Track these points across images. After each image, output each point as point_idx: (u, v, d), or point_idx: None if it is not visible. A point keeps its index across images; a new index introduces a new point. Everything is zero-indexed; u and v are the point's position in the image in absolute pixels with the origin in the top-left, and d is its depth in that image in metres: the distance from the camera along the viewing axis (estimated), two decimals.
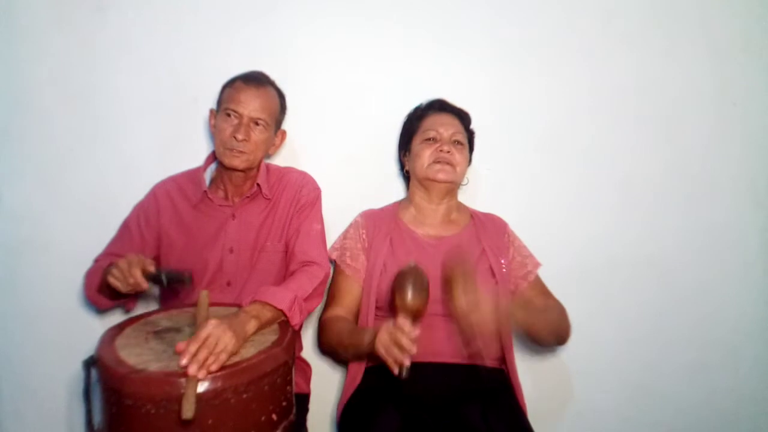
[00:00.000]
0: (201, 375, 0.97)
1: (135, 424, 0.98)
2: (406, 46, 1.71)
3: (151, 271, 1.23)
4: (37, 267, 1.61)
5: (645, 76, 1.76)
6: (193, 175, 1.52)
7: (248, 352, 1.07)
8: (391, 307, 1.26)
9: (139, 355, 1.05)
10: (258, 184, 1.47)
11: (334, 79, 1.70)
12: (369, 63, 1.71)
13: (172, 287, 1.31)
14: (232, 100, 1.41)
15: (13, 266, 1.62)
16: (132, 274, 1.21)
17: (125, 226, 1.51)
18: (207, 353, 0.99)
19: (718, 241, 1.79)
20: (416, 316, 1.20)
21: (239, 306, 1.21)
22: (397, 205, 1.61)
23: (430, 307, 1.31)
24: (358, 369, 1.43)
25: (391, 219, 1.55)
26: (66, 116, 1.62)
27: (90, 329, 1.52)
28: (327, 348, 1.48)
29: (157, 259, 1.46)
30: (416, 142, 1.56)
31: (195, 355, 0.98)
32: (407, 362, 1.14)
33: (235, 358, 1.04)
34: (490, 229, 1.56)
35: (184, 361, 0.97)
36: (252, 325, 1.14)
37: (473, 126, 1.63)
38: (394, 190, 1.72)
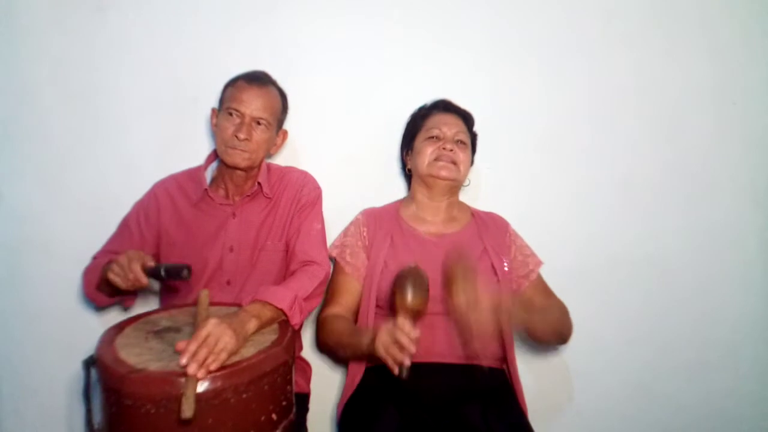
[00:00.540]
0: (201, 375, 0.96)
1: (135, 423, 0.98)
2: (406, 46, 1.71)
3: (150, 266, 1.23)
4: (37, 266, 1.61)
5: (645, 76, 1.76)
6: (194, 173, 1.52)
7: (248, 351, 1.07)
8: (391, 307, 1.26)
9: (138, 355, 1.05)
10: (259, 183, 1.48)
11: (334, 79, 1.70)
12: (369, 63, 1.71)
13: (171, 281, 1.31)
14: (234, 99, 1.41)
15: (13, 265, 1.62)
16: (132, 269, 1.21)
17: (125, 224, 1.51)
18: (207, 352, 0.99)
19: (718, 240, 1.79)
20: (416, 316, 1.20)
21: (239, 305, 1.21)
22: (399, 204, 1.61)
23: (430, 307, 1.31)
24: (358, 368, 1.43)
25: (393, 217, 1.55)
26: (66, 116, 1.62)
27: (90, 329, 1.52)
28: (325, 346, 1.48)
29: (156, 257, 1.46)
30: (419, 140, 1.56)
31: (195, 354, 0.98)
32: (407, 362, 1.14)
33: (235, 358, 1.04)
34: (491, 228, 1.56)
35: (183, 361, 0.97)
36: (252, 325, 1.14)
37: (475, 128, 1.63)
38: (395, 189, 1.72)
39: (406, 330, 1.15)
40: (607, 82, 1.75)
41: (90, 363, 1.08)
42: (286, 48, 1.68)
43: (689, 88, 1.78)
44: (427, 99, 1.64)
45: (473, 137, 1.62)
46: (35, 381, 1.61)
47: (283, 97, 1.52)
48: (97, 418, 1.08)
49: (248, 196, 1.48)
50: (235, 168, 1.43)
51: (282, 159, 1.67)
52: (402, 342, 1.14)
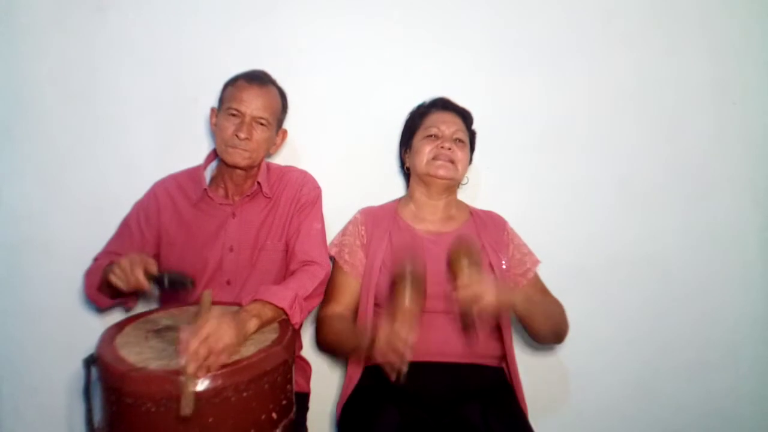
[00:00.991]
0: (201, 373, 0.96)
1: (135, 422, 0.98)
2: (406, 46, 1.71)
3: (153, 271, 1.23)
4: (37, 266, 1.61)
5: (645, 76, 1.76)
6: (194, 173, 1.52)
7: (248, 350, 1.07)
8: (388, 310, 1.26)
9: (139, 354, 1.05)
10: (258, 183, 1.47)
11: (334, 79, 1.70)
12: (369, 62, 1.71)
13: (174, 290, 1.31)
14: (234, 98, 1.41)
15: (13, 265, 1.62)
16: (134, 273, 1.20)
17: (125, 225, 1.50)
18: (207, 352, 0.99)
19: (718, 240, 1.79)
20: (414, 317, 1.20)
21: (239, 305, 1.21)
22: (397, 203, 1.61)
23: (430, 305, 1.31)
24: (358, 368, 1.43)
25: (391, 216, 1.55)
26: (66, 116, 1.63)
27: (90, 328, 1.52)
28: (324, 345, 1.47)
29: (157, 258, 1.46)
30: (418, 139, 1.56)
31: (195, 353, 0.98)
32: (404, 368, 1.14)
33: (236, 357, 1.04)
34: (489, 227, 1.56)
35: (183, 360, 0.97)
36: (252, 324, 1.14)
37: (474, 126, 1.63)
38: (395, 189, 1.72)
39: (403, 335, 1.15)
40: (606, 82, 1.75)
41: (90, 362, 1.08)
42: (285, 48, 1.68)
43: (689, 88, 1.78)
44: (427, 98, 1.64)
45: (472, 135, 1.62)
46: (35, 380, 1.61)
47: (282, 96, 1.52)
48: (98, 416, 1.08)
49: (248, 195, 1.48)
50: (235, 167, 1.43)
51: (281, 158, 1.67)
52: (399, 348, 1.14)
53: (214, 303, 1.13)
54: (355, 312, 1.48)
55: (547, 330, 1.45)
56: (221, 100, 1.47)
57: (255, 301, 1.20)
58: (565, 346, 1.60)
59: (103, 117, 1.64)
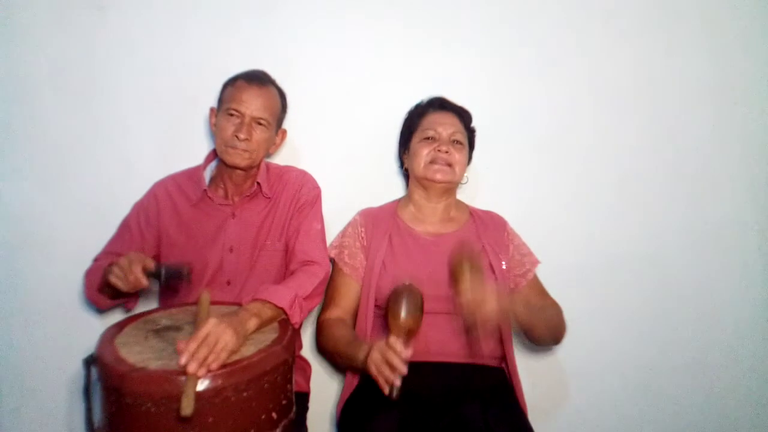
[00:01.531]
0: (201, 373, 0.96)
1: (135, 422, 0.98)
2: (406, 46, 1.71)
3: (151, 268, 1.23)
4: (37, 266, 1.61)
5: (645, 75, 1.76)
6: (193, 173, 1.52)
7: (248, 350, 1.07)
8: (384, 325, 1.26)
9: (139, 354, 1.05)
10: (258, 183, 1.47)
11: (334, 79, 1.70)
12: (369, 62, 1.71)
13: (171, 282, 1.31)
14: (234, 99, 1.41)
15: (13, 265, 1.61)
16: (133, 272, 1.21)
17: (125, 225, 1.50)
18: (207, 351, 0.99)
19: (718, 240, 1.79)
20: (409, 335, 1.20)
21: (239, 305, 1.21)
22: (396, 204, 1.61)
23: (431, 306, 1.31)
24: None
25: (390, 217, 1.55)
26: (66, 116, 1.62)
27: (90, 327, 1.52)
28: (323, 350, 1.47)
29: (157, 258, 1.46)
30: (415, 141, 1.56)
31: (195, 353, 0.98)
32: (398, 382, 1.14)
33: (236, 357, 1.04)
34: (489, 227, 1.56)
35: (183, 360, 0.97)
36: (252, 324, 1.14)
37: (474, 124, 1.63)
38: (394, 189, 1.73)
39: (397, 350, 1.15)
40: (607, 82, 1.75)
41: (90, 362, 1.08)
42: (285, 48, 1.68)
43: (689, 88, 1.78)
44: (425, 98, 1.63)
45: (471, 134, 1.62)
46: (35, 380, 1.61)
47: (282, 96, 1.52)
48: (98, 416, 1.08)
49: (247, 196, 1.48)
50: (235, 168, 1.43)
51: (281, 158, 1.67)
52: (393, 362, 1.14)
53: (214, 303, 1.14)
54: (355, 314, 1.48)
55: (546, 335, 1.45)
56: (221, 101, 1.47)
57: (255, 300, 1.20)
58: (565, 346, 1.60)
59: (103, 117, 1.64)
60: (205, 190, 1.46)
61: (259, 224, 1.47)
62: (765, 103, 1.79)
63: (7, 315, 1.61)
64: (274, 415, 1.07)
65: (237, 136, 1.39)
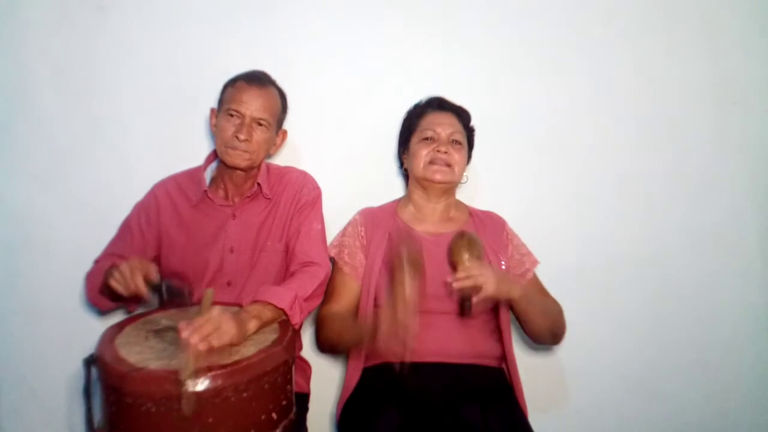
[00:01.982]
0: (201, 374, 0.96)
1: (135, 422, 0.98)
2: (406, 46, 1.71)
3: (153, 279, 1.23)
4: (37, 266, 1.61)
5: (645, 75, 1.76)
6: (194, 174, 1.52)
7: (249, 350, 1.07)
8: (388, 299, 1.27)
9: (139, 354, 1.05)
10: (258, 184, 1.47)
11: (334, 79, 1.70)
12: (369, 62, 1.71)
13: (171, 300, 1.31)
14: (234, 100, 1.41)
15: (13, 265, 1.62)
16: (134, 280, 1.21)
17: (126, 226, 1.50)
18: (211, 329, 1.01)
19: (718, 240, 1.79)
20: (414, 306, 1.21)
21: (240, 305, 1.21)
22: (396, 203, 1.61)
23: (431, 305, 1.31)
24: (357, 368, 1.43)
25: (390, 217, 1.55)
26: (66, 116, 1.63)
27: (90, 327, 1.52)
28: (326, 343, 1.46)
29: (157, 259, 1.46)
30: (414, 141, 1.56)
31: (199, 328, 1.00)
32: (408, 357, 1.14)
33: (236, 357, 1.04)
34: (489, 227, 1.56)
35: (185, 333, 0.99)
36: (253, 324, 1.14)
37: (473, 123, 1.63)
38: (394, 189, 1.73)
39: (404, 323, 1.15)
40: (607, 82, 1.75)
41: (90, 362, 1.08)
42: (285, 48, 1.68)
43: (689, 88, 1.78)
44: (424, 98, 1.63)
45: (470, 133, 1.62)
46: (35, 380, 1.61)
47: (282, 97, 1.51)
48: (98, 416, 1.08)
49: (248, 196, 1.47)
50: (235, 168, 1.43)
51: (281, 159, 1.67)
52: (401, 336, 1.14)
53: (215, 304, 1.13)
54: (355, 313, 1.48)
55: (544, 328, 1.44)
56: (221, 101, 1.46)
57: (255, 301, 1.20)
58: (565, 346, 1.60)
59: (103, 117, 1.64)
60: (205, 190, 1.46)
61: (259, 225, 1.47)
62: (765, 103, 1.79)
63: (7, 315, 1.61)
64: (274, 415, 1.07)
65: (237, 137, 1.39)
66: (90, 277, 1.46)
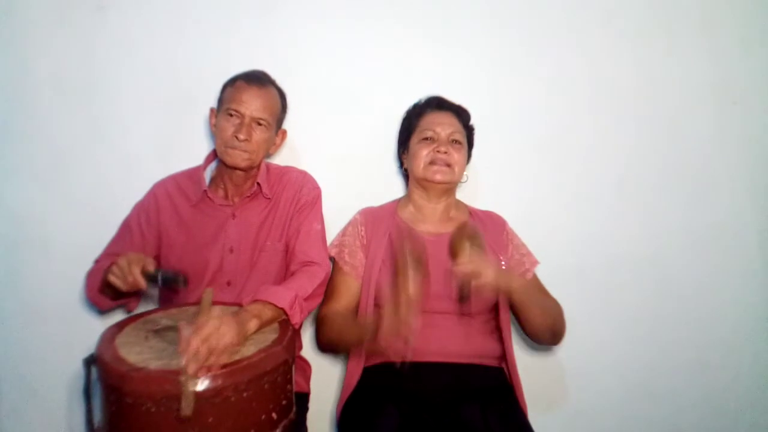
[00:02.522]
0: (201, 374, 0.96)
1: (135, 422, 0.98)
2: (406, 46, 1.71)
3: (150, 270, 1.24)
4: (37, 266, 1.61)
5: (645, 75, 1.76)
6: (193, 174, 1.52)
7: (249, 350, 1.07)
8: (390, 297, 1.27)
9: (139, 354, 1.05)
10: (258, 184, 1.47)
11: (334, 79, 1.70)
12: (369, 62, 1.71)
13: (168, 287, 1.32)
14: (233, 99, 1.41)
15: (13, 265, 1.62)
16: (131, 272, 1.21)
17: (126, 226, 1.50)
18: (207, 352, 0.99)
19: (718, 240, 1.79)
20: (416, 303, 1.20)
21: (240, 305, 1.21)
22: (396, 203, 1.61)
23: (431, 305, 1.31)
24: (358, 368, 1.44)
25: (390, 217, 1.55)
26: (66, 115, 1.63)
27: (90, 327, 1.52)
28: (326, 342, 1.46)
29: (157, 259, 1.46)
30: (414, 142, 1.56)
31: (195, 353, 0.98)
32: (409, 354, 1.14)
33: (236, 357, 1.04)
34: (489, 227, 1.56)
35: (184, 360, 0.97)
36: (253, 325, 1.14)
37: (472, 122, 1.63)
38: (394, 189, 1.73)
39: (408, 322, 1.15)
40: (607, 82, 1.75)
41: (90, 361, 1.08)
42: (285, 48, 1.68)
43: (689, 88, 1.78)
44: (423, 98, 1.63)
45: (469, 132, 1.62)
46: (35, 380, 1.61)
47: (282, 96, 1.52)
48: (98, 416, 1.08)
49: (248, 196, 1.47)
50: (235, 168, 1.43)
51: (281, 159, 1.67)
52: (403, 332, 1.15)
53: (214, 303, 1.13)
54: (355, 313, 1.48)
55: (544, 327, 1.44)
56: (220, 101, 1.46)
57: (255, 301, 1.20)
58: (565, 346, 1.60)
59: (103, 117, 1.64)
60: (205, 190, 1.46)
61: (259, 225, 1.47)
62: (765, 103, 1.79)
63: (7, 315, 1.61)
64: (274, 415, 1.07)
65: (237, 137, 1.39)
66: (90, 276, 1.46)
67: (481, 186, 1.73)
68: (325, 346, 1.50)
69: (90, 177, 1.63)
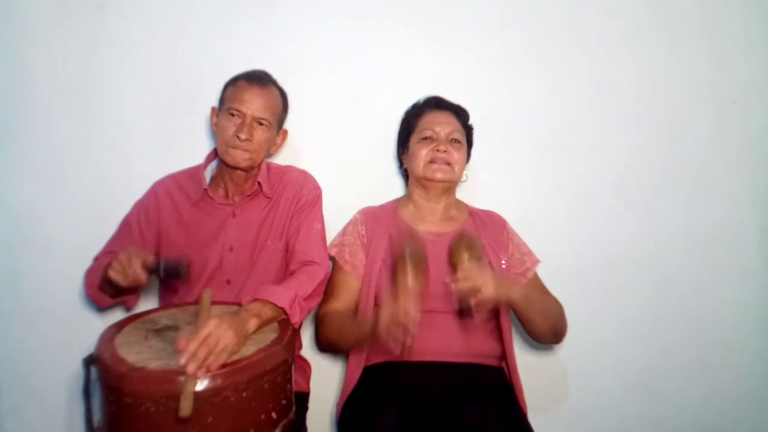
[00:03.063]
0: (200, 374, 0.96)
1: (134, 422, 0.98)
2: (406, 46, 1.71)
3: (150, 263, 1.24)
4: (37, 265, 1.61)
5: (645, 75, 1.76)
6: (194, 173, 1.52)
7: (248, 350, 1.07)
8: (390, 291, 1.27)
9: (138, 353, 1.05)
10: (259, 183, 1.47)
11: (334, 79, 1.70)
12: (369, 62, 1.71)
13: (169, 277, 1.32)
14: (235, 99, 1.41)
15: (13, 265, 1.62)
16: (132, 266, 1.21)
17: (125, 224, 1.50)
18: (207, 352, 0.99)
19: (718, 240, 1.79)
20: (417, 296, 1.21)
21: (239, 304, 1.21)
22: (396, 203, 1.61)
23: (431, 304, 1.31)
24: (357, 367, 1.43)
25: (391, 216, 1.55)
26: (66, 115, 1.62)
27: (90, 327, 1.52)
28: (326, 341, 1.47)
29: (157, 256, 1.46)
30: (413, 141, 1.56)
31: (194, 354, 0.98)
32: (409, 341, 1.14)
33: (235, 356, 1.04)
34: (489, 226, 1.56)
35: (183, 360, 0.97)
36: (252, 324, 1.14)
37: (472, 122, 1.63)
38: (395, 189, 1.73)
39: (408, 310, 1.16)
40: (606, 82, 1.75)
41: (90, 361, 1.08)
42: (285, 48, 1.68)
43: (689, 88, 1.78)
44: (422, 97, 1.63)
45: (468, 132, 1.62)
46: (35, 380, 1.61)
47: (283, 96, 1.52)
48: (97, 416, 1.08)
49: (248, 195, 1.48)
50: (236, 168, 1.43)
51: (282, 158, 1.67)
52: (403, 321, 1.15)
53: (214, 303, 1.13)
54: (355, 312, 1.47)
55: (546, 328, 1.44)
56: (222, 100, 1.47)
57: (255, 300, 1.20)
58: (565, 346, 1.60)
59: (102, 117, 1.64)
60: (205, 189, 1.46)
61: (259, 224, 1.47)
62: (765, 103, 1.79)
63: (7, 315, 1.61)
64: (273, 415, 1.07)
65: (238, 137, 1.39)
66: (89, 273, 1.46)
67: (481, 185, 1.73)
68: (324, 345, 1.50)
69: (90, 177, 1.63)
